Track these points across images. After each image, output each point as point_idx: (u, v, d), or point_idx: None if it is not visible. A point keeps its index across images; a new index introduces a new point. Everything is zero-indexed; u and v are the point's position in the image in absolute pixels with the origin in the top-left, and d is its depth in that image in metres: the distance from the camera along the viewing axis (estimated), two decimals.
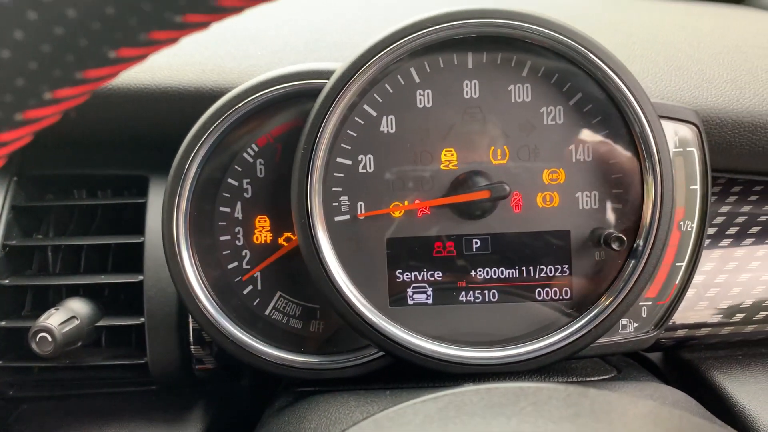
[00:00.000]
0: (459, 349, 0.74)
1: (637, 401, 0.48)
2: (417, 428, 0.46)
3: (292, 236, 0.83)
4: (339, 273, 0.74)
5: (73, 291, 0.92)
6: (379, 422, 0.48)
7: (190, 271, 0.78)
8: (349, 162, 0.77)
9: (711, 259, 0.89)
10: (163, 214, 0.78)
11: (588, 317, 0.74)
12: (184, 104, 0.90)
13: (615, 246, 0.73)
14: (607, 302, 0.74)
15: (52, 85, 0.34)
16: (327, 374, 0.78)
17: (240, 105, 0.78)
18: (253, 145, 0.82)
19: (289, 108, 0.81)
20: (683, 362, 0.94)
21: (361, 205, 0.77)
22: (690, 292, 0.84)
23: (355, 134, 0.77)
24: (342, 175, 0.77)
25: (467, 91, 0.76)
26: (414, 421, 0.47)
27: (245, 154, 0.82)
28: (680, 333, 0.90)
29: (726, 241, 0.90)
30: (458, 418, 0.46)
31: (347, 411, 0.68)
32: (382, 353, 0.78)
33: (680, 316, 0.88)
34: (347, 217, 0.77)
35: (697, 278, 0.87)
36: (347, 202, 0.77)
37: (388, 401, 0.67)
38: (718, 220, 0.90)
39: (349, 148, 0.77)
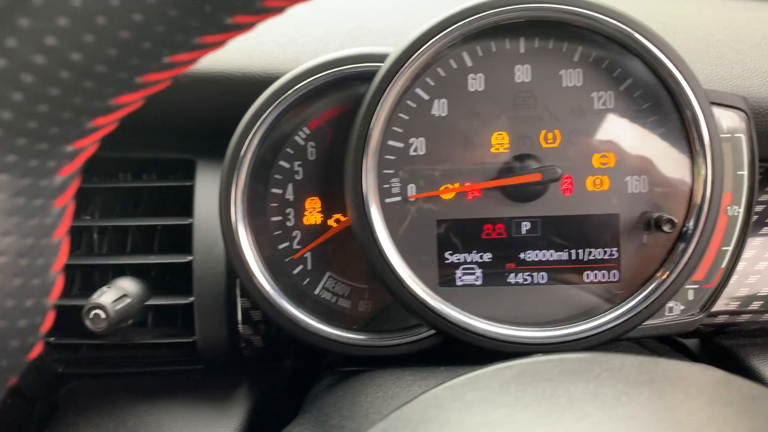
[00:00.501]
0: (510, 328, 0.75)
1: (707, 370, 0.49)
2: (495, 393, 0.47)
3: (341, 218, 0.84)
4: (392, 253, 0.75)
5: (120, 272, 0.94)
6: (454, 389, 0.50)
7: (247, 251, 0.80)
8: (401, 145, 0.78)
9: (752, 247, 0.90)
10: (221, 195, 0.80)
11: (637, 299, 0.75)
12: (231, 89, 0.91)
13: (666, 228, 0.74)
14: (656, 284, 0.75)
15: (172, 49, 0.36)
16: (378, 351, 0.79)
17: (296, 88, 0.79)
18: (305, 128, 0.84)
19: (340, 92, 0.83)
20: (721, 349, 0.95)
21: (411, 187, 0.79)
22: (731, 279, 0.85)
23: (406, 117, 0.78)
24: (393, 158, 0.78)
25: (519, 76, 0.78)
26: (491, 386, 0.48)
27: (297, 137, 0.84)
28: (720, 319, 0.91)
29: (767, 229, 0.91)
30: (536, 384, 0.47)
31: (404, 385, 0.69)
32: (430, 333, 0.79)
33: (720, 303, 0.89)
34: (398, 198, 0.78)
35: (738, 265, 0.88)
36: (398, 184, 0.78)
37: (445, 377, 0.68)
38: (759, 208, 0.91)
39: (401, 131, 0.78)
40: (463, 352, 0.79)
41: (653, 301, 0.75)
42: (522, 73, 0.78)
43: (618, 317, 0.75)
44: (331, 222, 0.85)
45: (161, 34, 0.35)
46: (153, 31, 0.34)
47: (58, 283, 0.40)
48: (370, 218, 0.75)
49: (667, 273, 0.75)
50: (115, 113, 0.38)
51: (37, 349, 0.40)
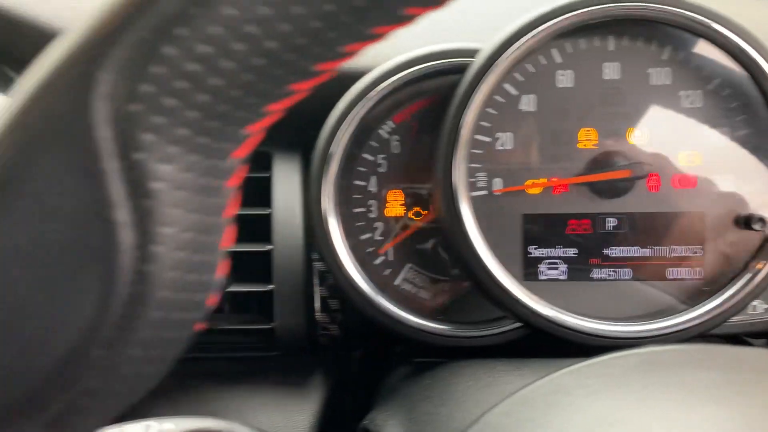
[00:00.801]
0: (598, 322, 0.76)
1: None
2: (619, 380, 0.48)
3: (422, 211, 0.86)
4: (481, 247, 0.77)
5: None
6: (575, 375, 0.51)
7: (338, 242, 0.82)
8: (488, 139, 0.80)
9: None
10: (313, 188, 0.82)
11: (723, 296, 0.76)
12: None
13: (757, 227, 0.74)
14: (742, 282, 0.76)
15: (351, 38, 0.37)
16: (463, 342, 0.81)
17: (386, 83, 0.81)
18: (390, 122, 0.85)
19: (426, 86, 0.84)
20: None
21: (497, 182, 0.80)
22: None
23: (495, 112, 0.79)
24: (480, 152, 0.79)
25: (607, 73, 0.79)
26: (613, 373, 0.49)
27: (381, 131, 0.86)
28: None
29: None
30: (660, 371, 0.48)
31: (497, 375, 0.70)
32: (515, 326, 0.80)
33: None
34: (484, 192, 0.80)
35: None
36: (484, 178, 0.80)
37: (538, 368, 0.70)
38: None
39: (489, 125, 0.79)
40: (542, 345, 0.81)
41: (740, 299, 0.75)
42: (611, 71, 0.79)
43: (704, 314, 0.76)
44: (412, 215, 0.86)
45: (344, 24, 0.36)
46: (338, 20, 0.36)
47: (223, 262, 0.42)
48: (460, 212, 0.77)
49: (755, 271, 0.76)
50: (287, 100, 0.40)
51: (203, 324, 0.42)
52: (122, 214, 0.35)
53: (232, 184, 0.41)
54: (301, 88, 0.40)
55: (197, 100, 0.35)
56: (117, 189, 0.35)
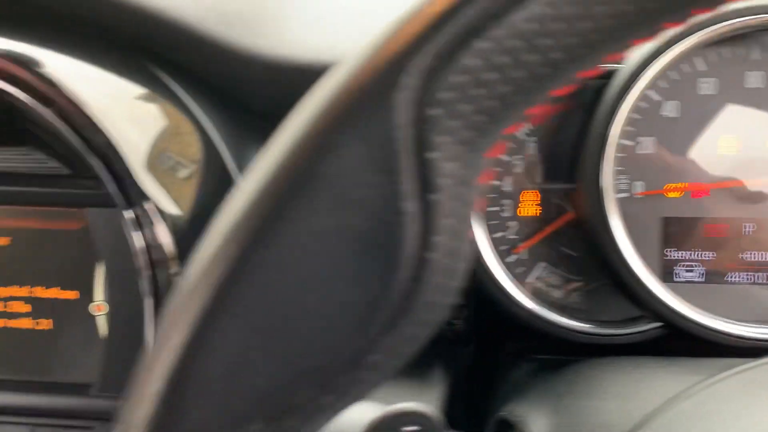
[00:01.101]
0: (738, 324, 0.78)
1: None
2: None
3: (557, 211, 0.89)
4: (626, 247, 0.79)
5: None
6: (762, 370, 0.53)
7: (481, 240, 0.85)
8: (631, 143, 0.82)
9: None
10: None
11: None
12: None
13: None
14: None
15: (632, 36, 0.40)
16: (604, 340, 0.83)
17: None
18: (527, 125, 0.88)
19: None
20: None
21: (638, 184, 0.82)
22: None
23: (638, 117, 0.82)
24: (623, 155, 0.82)
25: (750, 82, 0.80)
26: None
27: (517, 132, 0.89)
28: None
29: None
30: None
31: (647, 371, 0.72)
32: (653, 326, 0.82)
33: None
34: (626, 195, 0.82)
35: None
36: (626, 181, 0.82)
37: (688, 365, 0.71)
38: None
39: (632, 129, 0.82)
40: (670, 345, 0.83)
41: None
42: (754, 79, 0.80)
43: None
44: (547, 215, 0.89)
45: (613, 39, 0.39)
46: (598, 41, 0.39)
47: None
48: (607, 213, 0.79)
49: None
50: (543, 104, 0.43)
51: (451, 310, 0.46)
52: (412, 206, 0.39)
53: (482, 181, 0.45)
54: (558, 94, 0.43)
55: (487, 105, 0.39)
56: (409, 184, 0.39)
